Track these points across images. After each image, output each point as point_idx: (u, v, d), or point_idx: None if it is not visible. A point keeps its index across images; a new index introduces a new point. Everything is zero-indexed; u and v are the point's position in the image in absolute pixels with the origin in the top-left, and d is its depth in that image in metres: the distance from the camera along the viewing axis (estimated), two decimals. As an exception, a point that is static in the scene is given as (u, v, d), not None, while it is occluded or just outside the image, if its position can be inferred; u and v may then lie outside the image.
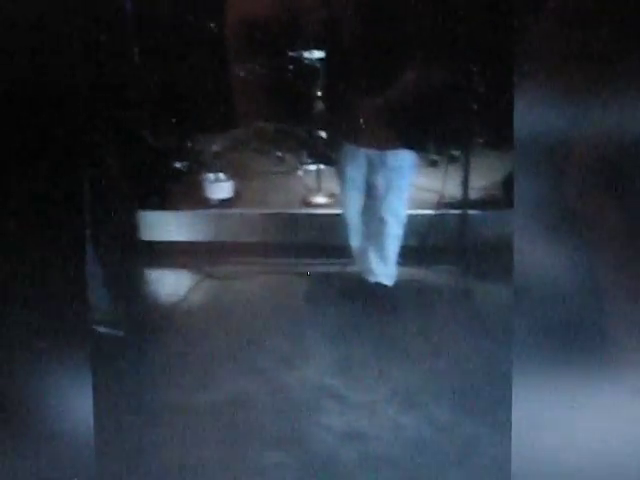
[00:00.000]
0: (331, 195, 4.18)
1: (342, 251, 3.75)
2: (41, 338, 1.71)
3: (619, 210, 1.52)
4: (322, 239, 4.03)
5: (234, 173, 4.45)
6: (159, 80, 4.78)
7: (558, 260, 1.58)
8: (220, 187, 4.20)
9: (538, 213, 1.58)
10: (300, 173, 4.71)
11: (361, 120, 3.39)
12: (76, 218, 1.75)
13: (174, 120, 4.87)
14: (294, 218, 4.15)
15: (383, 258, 3.54)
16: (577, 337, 1.58)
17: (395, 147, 3.38)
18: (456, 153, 4.26)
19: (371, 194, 3.56)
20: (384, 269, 3.56)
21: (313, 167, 4.58)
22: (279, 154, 5.03)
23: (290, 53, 5.05)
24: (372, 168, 3.48)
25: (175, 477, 2.65)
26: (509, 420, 1.62)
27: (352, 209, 3.57)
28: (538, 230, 1.59)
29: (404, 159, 3.40)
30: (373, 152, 3.42)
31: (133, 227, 4.14)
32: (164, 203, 4.21)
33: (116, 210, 3.87)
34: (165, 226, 4.15)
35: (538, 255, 1.59)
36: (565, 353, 1.59)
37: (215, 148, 4.88)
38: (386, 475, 2.57)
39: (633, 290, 1.54)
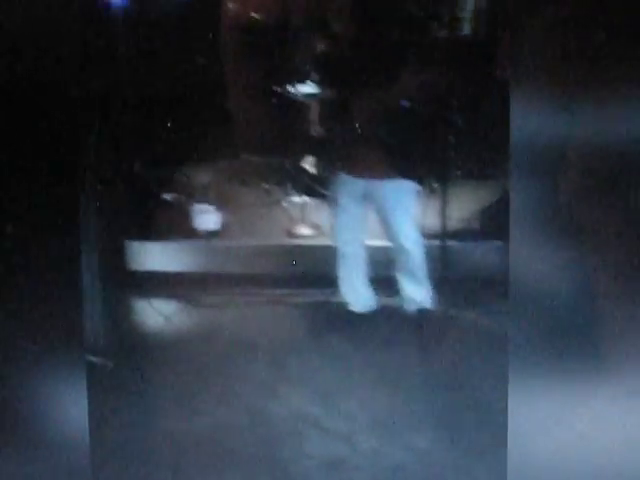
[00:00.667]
0: (315, 226, 4.28)
1: (327, 281, 3.86)
2: (36, 346, 1.78)
3: (616, 220, 1.53)
4: (307, 269, 4.12)
5: (220, 205, 4.54)
6: (145, 111, 4.88)
7: (554, 269, 1.59)
8: (207, 218, 4.29)
9: (534, 222, 1.58)
10: (285, 205, 4.82)
11: (358, 151, 3.50)
12: (71, 237, 1.85)
13: (163, 150, 4.98)
14: (279, 249, 4.24)
15: (418, 284, 3.63)
16: (572, 344, 1.60)
17: (396, 176, 3.45)
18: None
19: (367, 224, 3.67)
20: (422, 294, 3.66)
21: (298, 199, 4.69)
22: (266, 186, 5.14)
23: (275, 88, 5.19)
24: (372, 198, 3.55)
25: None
26: (505, 427, 1.67)
27: (345, 239, 3.64)
28: (534, 240, 1.59)
29: (407, 186, 3.49)
30: (373, 182, 3.50)
31: (121, 257, 4.22)
32: (152, 234, 4.27)
33: (104, 240, 3.95)
34: (152, 256, 4.22)
35: (534, 265, 1.59)
36: (561, 359, 1.61)
37: (202, 180, 4.98)
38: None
39: (627, 297, 1.55)
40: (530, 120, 1.53)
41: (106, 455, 2.52)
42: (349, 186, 3.56)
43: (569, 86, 1.49)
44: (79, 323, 1.96)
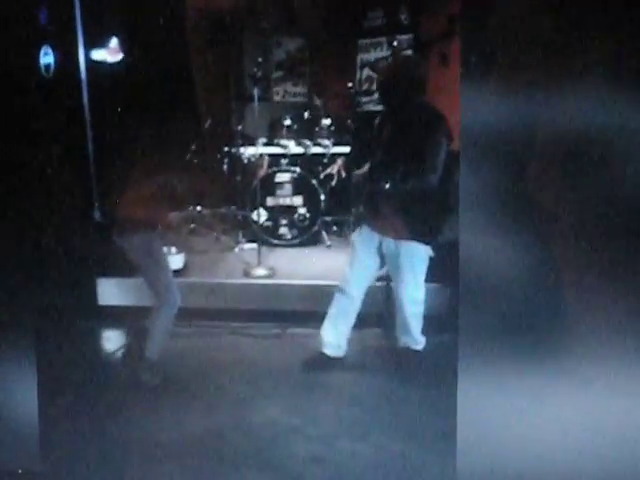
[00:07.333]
0: (270, 268, 4.89)
1: (282, 316, 4.47)
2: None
3: (575, 210, 1.51)
4: (262, 306, 4.69)
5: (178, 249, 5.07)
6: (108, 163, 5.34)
7: (505, 256, 1.59)
8: (173, 259, 4.79)
9: (484, 210, 1.58)
10: (237, 251, 5.42)
11: (378, 207, 3.75)
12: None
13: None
14: (236, 287, 4.79)
15: (406, 331, 3.94)
16: (526, 332, 1.61)
17: (408, 239, 3.71)
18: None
19: (381, 275, 4.00)
20: (409, 339, 3.96)
21: (249, 246, 5.35)
22: (215, 235, 5.73)
23: (226, 148, 5.86)
24: (386, 253, 3.81)
25: (117, 466, 3.06)
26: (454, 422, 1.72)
27: (349, 279, 3.93)
28: (484, 226, 1.59)
29: (419, 250, 3.75)
30: (387, 239, 3.78)
31: (91, 292, 4.65)
32: (121, 271, 4.71)
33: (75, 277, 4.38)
34: (121, 292, 4.68)
35: (485, 251, 1.59)
36: (514, 347, 1.64)
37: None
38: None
39: (582, 284, 1.54)
40: (482, 112, 1.50)
41: (55, 440, 2.72)
42: (366, 235, 3.86)
43: (529, 77, 1.48)
44: (30, 318, 2.08)
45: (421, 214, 3.68)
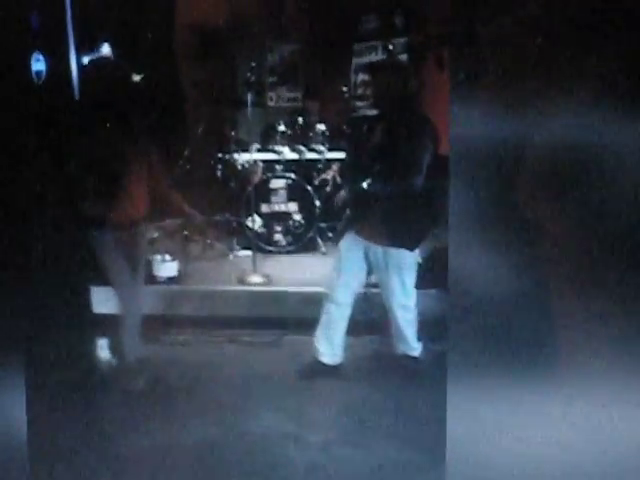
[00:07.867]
0: (265, 275, 4.84)
1: (277, 323, 4.43)
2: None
3: (565, 222, 1.49)
4: (258, 313, 4.64)
5: (173, 256, 5.00)
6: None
7: (494, 267, 1.57)
8: (167, 267, 4.75)
9: (472, 223, 1.57)
10: (231, 258, 5.37)
11: (363, 213, 3.76)
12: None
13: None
14: (231, 294, 4.74)
15: (401, 338, 3.92)
16: (512, 346, 1.59)
17: (395, 246, 3.69)
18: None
19: (369, 283, 3.95)
20: (405, 345, 3.95)
21: (243, 253, 5.31)
22: (208, 241, 5.67)
23: (220, 155, 5.81)
24: (372, 259, 3.79)
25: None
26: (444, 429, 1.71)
27: (338, 287, 3.88)
28: (473, 238, 1.58)
29: (405, 256, 3.73)
30: (373, 245, 3.76)
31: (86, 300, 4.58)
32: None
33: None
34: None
35: (474, 263, 1.58)
36: (501, 362, 1.62)
37: (150, 235, 5.42)
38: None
39: (570, 296, 1.53)
40: (471, 125, 1.50)
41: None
42: (352, 241, 3.83)
43: (518, 92, 1.47)
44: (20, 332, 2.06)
45: (407, 221, 3.66)
